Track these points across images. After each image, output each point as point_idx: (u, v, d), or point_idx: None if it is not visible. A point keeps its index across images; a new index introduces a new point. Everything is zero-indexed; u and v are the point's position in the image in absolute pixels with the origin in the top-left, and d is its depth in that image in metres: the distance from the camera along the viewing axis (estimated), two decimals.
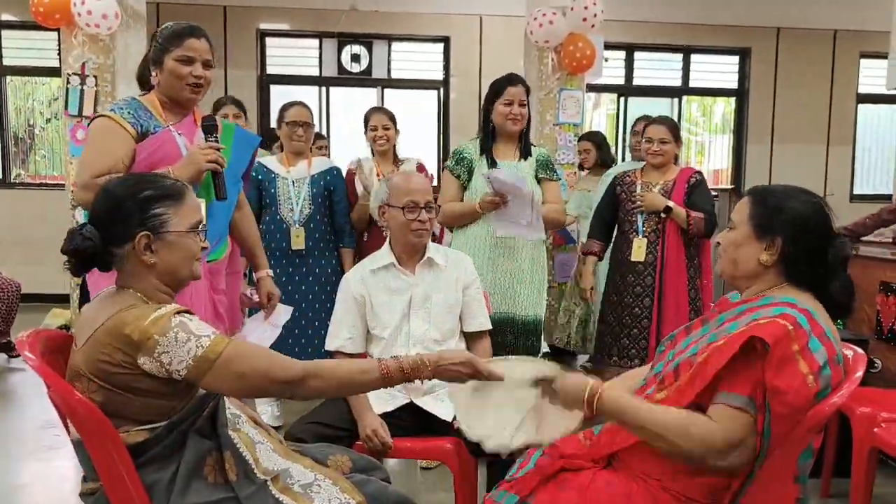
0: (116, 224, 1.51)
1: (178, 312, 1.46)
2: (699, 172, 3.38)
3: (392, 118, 3.66)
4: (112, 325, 1.43)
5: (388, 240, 2.42)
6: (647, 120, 3.71)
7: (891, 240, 3.59)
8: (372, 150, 3.70)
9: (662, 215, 3.23)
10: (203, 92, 2.24)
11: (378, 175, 3.57)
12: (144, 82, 2.29)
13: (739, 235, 1.57)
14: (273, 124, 3.99)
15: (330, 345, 2.36)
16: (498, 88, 2.99)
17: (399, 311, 2.32)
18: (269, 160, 3.49)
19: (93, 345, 1.44)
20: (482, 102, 3.12)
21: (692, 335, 1.65)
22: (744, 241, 1.56)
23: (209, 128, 2.23)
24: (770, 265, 1.53)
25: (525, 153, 3.04)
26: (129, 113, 2.15)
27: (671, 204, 3.20)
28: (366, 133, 3.67)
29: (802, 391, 1.37)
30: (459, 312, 2.38)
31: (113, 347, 1.42)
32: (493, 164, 2.97)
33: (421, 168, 3.64)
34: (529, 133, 3.11)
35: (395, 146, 3.69)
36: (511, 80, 2.99)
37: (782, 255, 1.52)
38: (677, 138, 3.34)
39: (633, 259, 3.30)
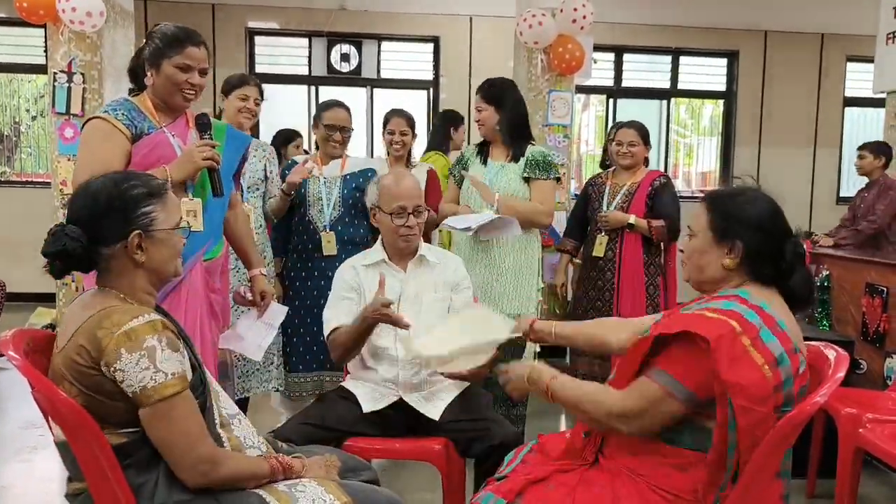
0: (105, 223, 1.48)
1: (155, 329, 1.42)
2: (664, 176, 3.55)
3: (411, 123, 3.63)
4: (88, 325, 1.42)
5: (380, 237, 2.44)
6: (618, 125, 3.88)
7: (832, 243, 3.68)
8: (388, 151, 3.66)
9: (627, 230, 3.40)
10: (196, 98, 2.25)
11: None
12: (136, 77, 2.28)
13: (701, 243, 1.62)
14: (263, 124, 3.90)
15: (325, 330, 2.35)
16: None
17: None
18: (301, 159, 3.34)
19: (71, 346, 1.43)
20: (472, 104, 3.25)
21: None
22: (706, 248, 1.61)
23: (203, 126, 2.24)
24: (734, 268, 1.58)
25: (516, 155, 3.08)
26: (123, 114, 2.15)
27: (632, 220, 3.38)
28: (384, 134, 3.64)
29: (761, 383, 1.41)
30: (447, 311, 2.38)
31: (83, 348, 1.41)
32: (484, 163, 3.15)
33: (433, 176, 3.59)
34: (521, 136, 3.12)
35: (410, 150, 3.67)
36: (478, 88, 3.16)
37: (744, 258, 1.56)
38: (646, 141, 3.52)
39: (594, 255, 3.48)
